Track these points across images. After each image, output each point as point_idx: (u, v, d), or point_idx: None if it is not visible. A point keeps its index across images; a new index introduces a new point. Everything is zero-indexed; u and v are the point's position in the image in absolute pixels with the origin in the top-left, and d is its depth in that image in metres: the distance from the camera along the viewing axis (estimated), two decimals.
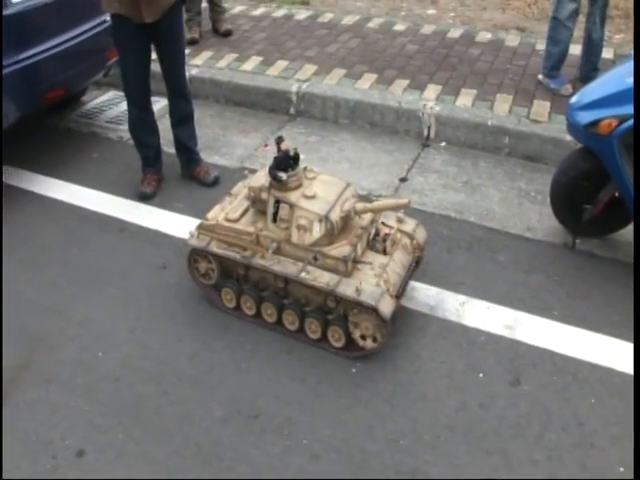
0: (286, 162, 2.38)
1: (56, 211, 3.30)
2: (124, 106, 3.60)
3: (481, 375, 2.37)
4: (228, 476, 2.04)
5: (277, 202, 2.41)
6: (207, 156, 3.69)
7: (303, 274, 2.36)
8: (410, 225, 2.64)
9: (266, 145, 2.40)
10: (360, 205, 2.43)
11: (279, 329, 2.53)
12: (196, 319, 2.64)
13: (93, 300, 2.75)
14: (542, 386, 2.33)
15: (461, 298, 2.69)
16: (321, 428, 2.19)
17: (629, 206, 2.70)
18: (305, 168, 2.48)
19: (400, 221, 2.63)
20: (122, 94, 3.95)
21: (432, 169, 3.63)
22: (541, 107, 3.83)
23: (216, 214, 2.62)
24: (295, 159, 2.41)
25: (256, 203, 2.53)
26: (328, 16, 5.33)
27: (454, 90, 4.05)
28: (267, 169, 2.46)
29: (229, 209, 2.61)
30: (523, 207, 3.30)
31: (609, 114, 2.59)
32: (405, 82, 4.17)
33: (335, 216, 2.36)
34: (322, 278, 2.34)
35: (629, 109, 2.55)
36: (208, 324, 2.61)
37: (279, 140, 2.40)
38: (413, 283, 2.72)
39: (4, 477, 2.02)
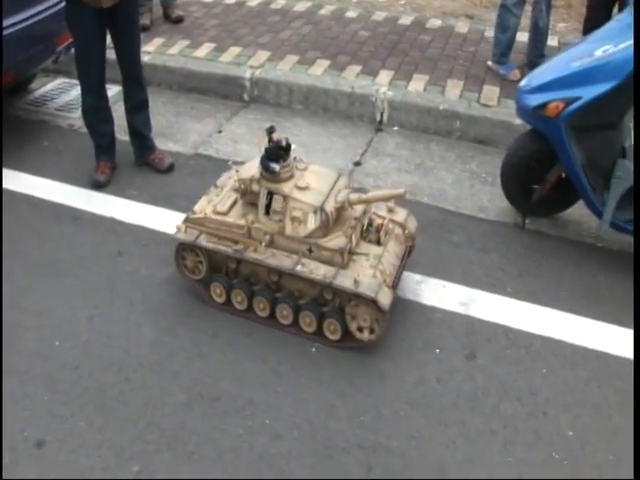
0: (278, 153, 2.32)
1: (8, 201, 3.18)
2: (74, 93, 3.49)
3: (438, 351, 2.42)
4: (192, 459, 2.03)
5: (269, 194, 2.35)
6: (161, 143, 3.62)
7: (299, 267, 2.31)
8: (401, 215, 2.62)
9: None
10: (354, 196, 2.38)
11: (272, 323, 2.49)
12: (156, 305, 2.60)
13: (50, 290, 2.67)
14: (497, 359, 2.39)
15: (417, 277, 2.73)
16: (283, 408, 2.19)
17: (575, 185, 2.79)
18: (295, 158, 2.42)
19: (391, 211, 2.60)
20: (71, 81, 3.83)
21: (385, 153, 3.66)
22: (491, 92, 3.91)
23: (203, 207, 2.54)
24: (286, 149, 2.35)
25: (246, 195, 2.46)
26: (280, 2, 5.28)
27: (406, 75, 4.08)
28: (259, 160, 2.39)
29: (216, 201, 2.54)
30: (475, 188, 3.37)
31: (556, 97, 2.66)
32: (358, 68, 4.17)
33: (330, 207, 2.31)
34: (318, 270, 2.30)
35: (575, 92, 2.62)
36: (168, 310, 2.58)
37: (270, 130, 2.32)
38: None
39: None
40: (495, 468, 2.03)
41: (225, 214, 2.47)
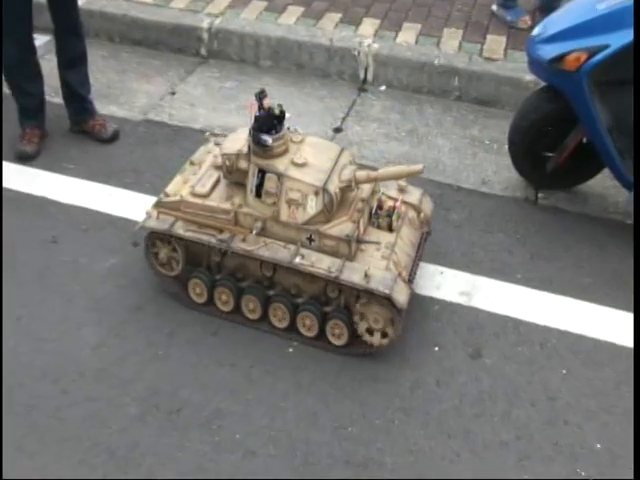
0: (270, 122, 2.26)
1: None
2: None
3: (437, 349, 2.44)
4: None
5: (261, 172, 2.29)
6: (102, 106, 3.57)
7: (298, 259, 2.26)
8: (415, 195, 2.57)
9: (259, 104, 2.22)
10: (361, 173, 2.32)
11: (265, 327, 2.45)
12: (99, 302, 2.57)
13: None
14: (506, 358, 2.42)
15: None
16: (256, 419, 2.19)
17: (600, 152, 2.81)
18: (289, 128, 2.36)
19: (403, 191, 2.56)
20: None
21: (371, 117, 3.66)
22: (496, 42, 3.91)
23: (177, 188, 2.48)
24: (280, 118, 2.29)
25: (232, 174, 2.41)
26: None
27: (394, 25, 4.07)
28: (245, 131, 2.34)
29: (194, 181, 2.48)
30: (477, 158, 3.38)
31: (577, 47, 2.67)
32: (337, 16, 4.15)
33: (333, 187, 2.25)
34: (321, 263, 2.25)
35: (601, 40, 2.63)
36: (115, 306, 2.55)
37: (261, 95, 2.25)
38: None
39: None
40: None
41: (206, 196, 2.41)
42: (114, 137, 3.39)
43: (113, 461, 2.07)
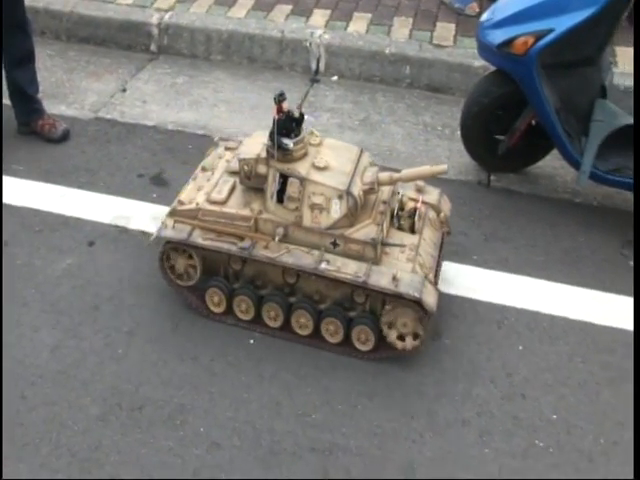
0: (289, 125, 2.22)
1: None
2: None
3: None
4: None
5: (282, 177, 2.24)
6: (51, 106, 3.50)
7: (323, 265, 2.21)
8: (433, 195, 2.55)
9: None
10: (384, 175, 2.29)
11: (286, 335, 2.40)
12: (55, 304, 2.53)
13: None
14: (465, 338, 2.45)
15: None
16: (220, 412, 2.18)
17: (549, 133, 2.86)
18: (305, 130, 2.31)
19: (421, 191, 2.53)
20: None
21: (324, 107, 3.67)
22: (445, 30, 3.95)
23: (192, 195, 2.43)
24: (299, 121, 2.25)
25: (250, 179, 2.36)
26: None
27: (345, 15, 4.08)
28: (262, 135, 2.31)
29: (209, 188, 2.43)
30: (430, 144, 3.42)
31: (524, 31, 2.71)
32: (288, 7, 4.14)
33: (357, 190, 2.22)
34: (347, 268, 2.21)
35: (546, 24, 2.67)
36: (71, 308, 2.51)
37: (280, 98, 2.22)
38: None
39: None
40: (471, 462, 2.08)
41: (223, 203, 2.35)
42: (65, 137, 3.33)
43: (75, 463, 2.04)
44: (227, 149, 2.66)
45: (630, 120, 2.78)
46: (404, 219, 2.41)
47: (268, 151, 2.27)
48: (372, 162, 2.40)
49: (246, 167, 2.34)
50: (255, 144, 2.37)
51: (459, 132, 3.18)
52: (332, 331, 2.34)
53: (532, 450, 2.12)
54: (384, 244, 2.28)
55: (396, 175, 2.30)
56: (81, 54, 4.04)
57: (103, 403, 2.20)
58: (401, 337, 2.30)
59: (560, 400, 2.25)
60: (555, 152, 3.01)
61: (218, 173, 2.52)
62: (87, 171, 3.10)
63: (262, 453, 2.08)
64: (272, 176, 2.27)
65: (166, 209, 2.89)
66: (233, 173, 2.46)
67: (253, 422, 2.16)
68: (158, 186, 3.08)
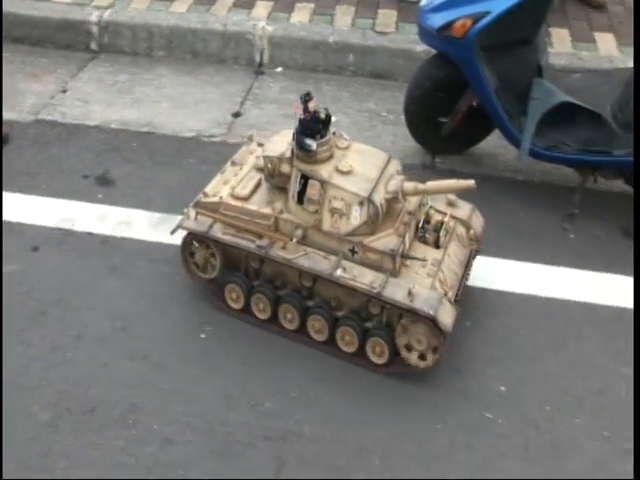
0: (315, 126, 2.17)
1: None
2: None
3: None
4: None
5: (303, 178, 2.20)
6: None
7: (339, 271, 2.17)
8: (464, 210, 2.46)
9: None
10: (409, 185, 2.22)
11: (301, 338, 2.36)
12: None
13: None
14: None
15: None
16: (172, 407, 2.16)
17: (489, 113, 2.90)
18: (334, 134, 2.27)
19: (452, 205, 2.45)
20: None
21: (269, 99, 3.65)
22: (387, 17, 3.96)
23: (218, 188, 2.39)
24: (325, 123, 2.20)
25: (274, 177, 2.32)
26: None
27: (288, 6, 4.06)
28: (289, 133, 2.26)
29: (235, 182, 2.40)
30: (375, 130, 3.43)
31: (462, 14, 2.74)
32: (230, 0, 4.09)
33: (379, 198, 2.16)
34: (364, 277, 2.15)
35: (483, 6, 2.70)
36: (14, 313, 2.45)
37: (307, 97, 2.16)
38: None
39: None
40: (425, 438, 2.11)
41: (246, 199, 2.32)
42: (4, 141, 3.25)
43: (25, 472, 2.00)
44: (259, 145, 2.62)
45: (566, 97, 2.84)
46: (429, 232, 2.33)
47: (292, 151, 2.23)
48: (399, 171, 2.32)
49: (270, 165, 2.30)
50: (282, 142, 2.32)
51: (403, 117, 3.18)
52: (347, 340, 2.28)
53: (483, 422, 2.16)
54: (404, 256, 2.21)
55: (421, 186, 2.23)
56: (16, 55, 3.91)
57: (52, 408, 2.16)
58: (408, 347, 2.22)
59: (507, 372, 2.29)
60: (497, 132, 3.04)
61: (246, 168, 2.48)
62: (28, 175, 3.04)
63: (216, 446, 2.07)
64: (294, 176, 2.23)
65: (113, 209, 2.90)
66: (260, 170, 2.41)
67: (206, 415, 2.14)
68: (103, 186, 3.03)
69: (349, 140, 2.33)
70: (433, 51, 3.05)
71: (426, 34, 2.94)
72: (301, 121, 2.18)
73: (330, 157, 2.22)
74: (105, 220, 2.83)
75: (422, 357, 2.21)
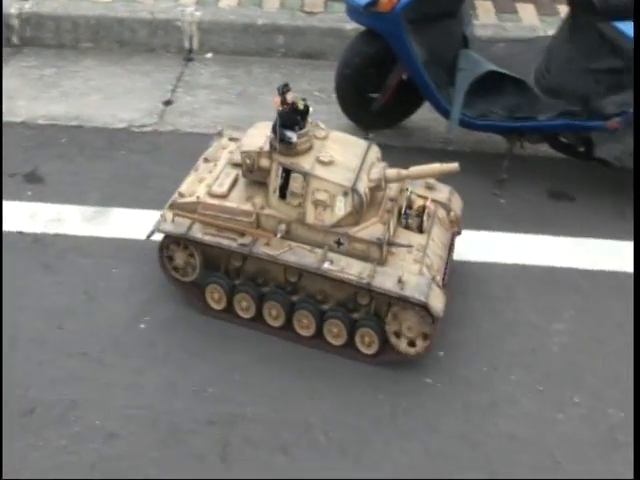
0: (294, 118, 2.14)
1: None
2: None
3: None
4: None
5: (285, 171, 2.15)
6: None
7: (326, 264, 2.13)
8: (443, 193, 2.45)
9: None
10: (392, 171, 2.20)
11: (287, 336, 2.31)
12: None
13: None
14: None
15: None
16: (114, 401, 2.13)
17: (419, 86, 2.93)
18: (311, 123, 2.23)
19: (431, 188, 2.43)
20: None
21: (201, 85, 3.61)
22: None
23: (193, 187, 2.33)
24: (304, 113, 2.17)
25: (252, 173, 2.26)
26: None
27: None
28: (265, 126, 2.23)
29: (210, 180, 2.33)
30: None
31: None
32: None
33: (363, 187, 2.13)
34: (352, 269, 2.12)
35: None
36: None
37: (285, 89, 2.13)
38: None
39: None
40: (368, 409, 2.13)
41: (225, 197, 2.26)
42: None
43: None
44: (231, 139, 2.56)
45: (491, 66, 2.89)
46: (412, 218, 2.31)
47: (271, 144, 2.18)
48: (379, 157, 2.30)
49: (248, 160, 2.24)
50: (259, 136, 2.27)
51: (335, 95, 3.18)
52: (335, 333, 2.25)
53: (422, 385, 2.20)
54: (390, 244, 2.19)
55: (404, 172, 2.22)
56: None
57: None
58: (397, 334, 2.20)
59: (443, 338, 2.31)
60: (427, 104, 3.07)
61: (221, 165, 2.41)
62: None
63: (160, 435, 2.05)
64: (275, 170, 2.18)
65: (43, 206, 2.83)
66: (236, 165, 2.35)
67: (149, 406, 2.12)
68: (32, 183, 2.94)
69: (326, 129, 2.30)
70: (362, 28, 3.05)
71: (354, 11, 2.94)
72: (280, 113, 2.14)
73: (310, 148, 2.19)
74: (36, 218, 2.75)
75: (411, 344, 2.19)
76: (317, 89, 3.56)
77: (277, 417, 2.10)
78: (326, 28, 3.76)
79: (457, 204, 2.48)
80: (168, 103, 3.47)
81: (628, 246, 2.63)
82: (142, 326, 2.36)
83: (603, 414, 2.13)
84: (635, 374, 2.08)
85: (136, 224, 2.68)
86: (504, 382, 2.20)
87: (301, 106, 2.18)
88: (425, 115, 3.22)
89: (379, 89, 3.07)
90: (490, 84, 2.90)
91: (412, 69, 2.90)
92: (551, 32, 3.13)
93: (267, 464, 1.98)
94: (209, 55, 3.83)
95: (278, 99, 2.14)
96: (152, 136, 3.21)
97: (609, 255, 2.66)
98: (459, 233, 2.49)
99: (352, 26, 3.45)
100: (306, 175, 2.12)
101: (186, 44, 3.83)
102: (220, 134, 2.63)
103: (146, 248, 2.49)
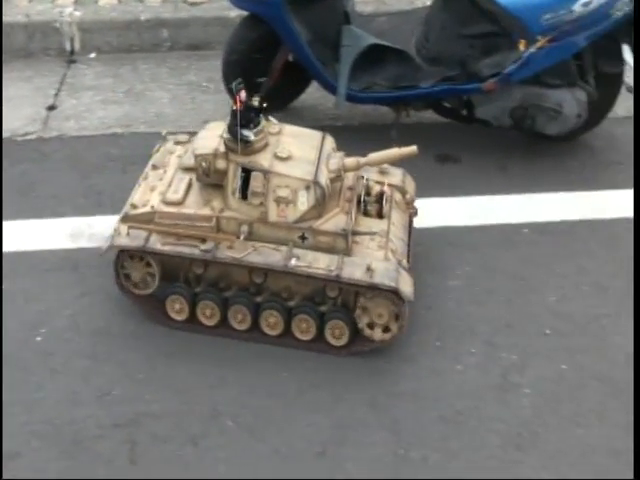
0: (249, 116, 2.08)
1: None
2: None
3: None
4: None
5: (245, 171, 2.08)
6: None
7: (293, 261, 2.08)
8: (397, 176, 2.42)
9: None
10: (350, 160, 2.19)
11: (255, 337, 2.24)
12: None
13: None
14: None
15: None
16: (14, 420, 2.02)
17: (305, 66, 2.94)
18: (263, 119, 2.18)
19: (384, 173, 2.40)
20: None
21: (85, 86, 3.53)
22: None
23: (146, 197, 2.23)
24: (258, 110, 2.11)
25: (209, 176, 2.17)
26: None
27: None
28: (217, 127, 2.17)
29: (163, 187, 2.23)
30: (197, 101, 3.40)
31: None
32: None
33: (324, 179, 2.10)
34: (319, 262, 2.08)
35: None
36: None
37: (238, 87, 2.06)
38: (88, 219, 2.64)
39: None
40: (274, 389, 2.12)
41: (181, 203, 2.17)
42: None
43: None
44: (177, 143, 2.47)
45: (373, 40, 2.93)
46: (371, 204, 2.28)
47: (227, 145, 2.11)
48: (334, 147, 2.28)
49: (204, 163, 2.16)
50: (211, 137, 2.19)
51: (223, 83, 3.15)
52: (304, 329, 2.20)
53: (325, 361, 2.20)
54: (355, 233, 2.16)
55: (363, 160, 2.20)
56: None
57: None
58: (371, 325, 2.17)
59: None
60: (315, 83, 3.08)
61: (171, 170, 2.32)
62: None
63: (65, 446, 1.97)
64: (233, 171, 2.12)
65: None
66: (188, 169, 2.27)
67: (51, 419, 2.04)
68: None
69: (279, 124, 2.27)
70: (246, 14, 3.03)
71: None
72: (235, 112, 2.08)
73: (266, 145, 2.14)
74: None
75: (386, 329, 2.17)
76: (205, 80, 3.53)
77: (185, 410, 2.07)
78: (210, 17, 3.73)
79: (411, 185, 2.48)
80: (52, 108, 3.36)
81: (512, 199, 2.74)
82: (38, 339, 2.27)
83: (497, 359, 2.20)
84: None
85: (26, 235, 2.59)
86: (404, 344, 2.22)
87: (255, 103, 2.14)
88: (313, 94, 3.23)
89: (267, 73, 3.05)
90: (373, 57, 2.94)
91: (297, 49, 2.91)
92: (429, 3, 3.19)
93: (177, 458, 1.94)
94: (92, 55, 3.73)
95: (238, 98, 2.08)
96: (37, 143, 3.10)
97: (495, 210, 2.75)
98: (416, 214, 2.49)
99: (236, 13, 3.42)
100: (266, 173, 2.08)
101: (67, 46, 3.72)
102: (164, 138, 2.56)
103: (37, 259, 2.41)
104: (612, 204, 2.79)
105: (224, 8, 3.64)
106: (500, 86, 2.80)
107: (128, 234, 2.18)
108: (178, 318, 2.28)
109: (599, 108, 2.97)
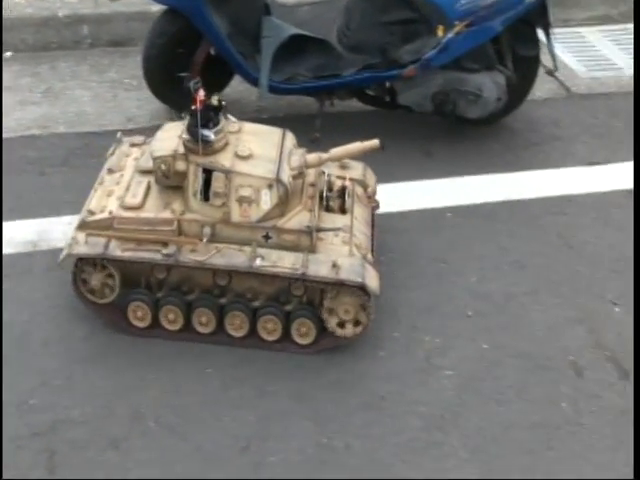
0: (208, 115, 2.02)
1: None
2: None
3: None
4: None
5: (206, 172, 2.02)
6: None
7: (258, 261, 2.04)
8: (358, 170, 2.40)
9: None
10: (312, 156, 2.16)
11: (219, 340, 2.19)
12: None
13: None
14: None
15: (66, 219, 2.59)
16: None
17: (227, 59, 2.92)
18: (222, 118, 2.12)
19: (345, 167, 2.38)
20: None
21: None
22: None
23: (103, 202, 2.15)
24: (217, 109, 2.06)
25: (169, 178, 2.11)
26: None
27: None
28: (175, 127, 2.13)
29: (120, 192, 2.16)
30: (118, 98, 3.33)
31: None
32: None
33: (286, 177, 2.06)
34: (284, 261, 2.04)
35: None
36: None
37: (196, 85, 1.99)
38: (6, 224, 2.56)
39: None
40: (197, 387, 2.09)
41: (140, 207, 2.11)
42: None
43: None
44: (133, 145, 2.40)
45: (294, 30, 2.92)
46: (333, 200, 2.26)
47: (186, 145, 2.05)
48: (295, 144, 2.25)
49: (163, 165, 2.10)
50: (169, 138, 2.13)
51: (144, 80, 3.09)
52: (270, 329, 2.17)
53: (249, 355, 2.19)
54: (319, 230, 2.13)
55: (325, 155, 2.19)
56: None
57: None
58: (341, 324, 2.15)
59: None
60: (237, 76, 3.05)
61: (128, 174, 2.25)
62: None
63: None
64: (193, 172, 2.06)
65: None
66: (145, 172, 2.20)
67: None
68: None
69: (238, 122, 2.23)
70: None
71: None
72: (194, 112, 2.01)
73: (226, 144, 2.10)
74: None
75: (356, 323, 2.15)
76: (126, 77, 3.47)
77: (105, 413, 2.02)
78: (132, 13, 3.68)
79: (371, 179, 2.47)
80: None
81: (436, 183, 2.77)
82: None
83: (420, 343, 2.22)
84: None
85: None
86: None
87: (215, 102, 2.09)
88: (237, 87, 3.20)
89: (188, 68, 3.00)
90: (295, 48, 2.93)
91: (217, 43, 2.88)
92: None
93: (98, 463, 1.89)
94: (8, 54, 3.62)
95: (197, 97, 2.01)
96: None
97: (419, 195, 2.78)
98: (377, 207, 2.48)
99: (158, 7, 3.33)
100: (228, 173, 2.04)
101: None
102: (119, 140, 2.48)
103: None
104: (532, 185, 2.84)
105: (145, 2, 3.57)
106: (421, 72, 2.83)
107: (86, 242, 2.11)
108: (140, 325, 2.23)
109: (518, 91, 3.02)
